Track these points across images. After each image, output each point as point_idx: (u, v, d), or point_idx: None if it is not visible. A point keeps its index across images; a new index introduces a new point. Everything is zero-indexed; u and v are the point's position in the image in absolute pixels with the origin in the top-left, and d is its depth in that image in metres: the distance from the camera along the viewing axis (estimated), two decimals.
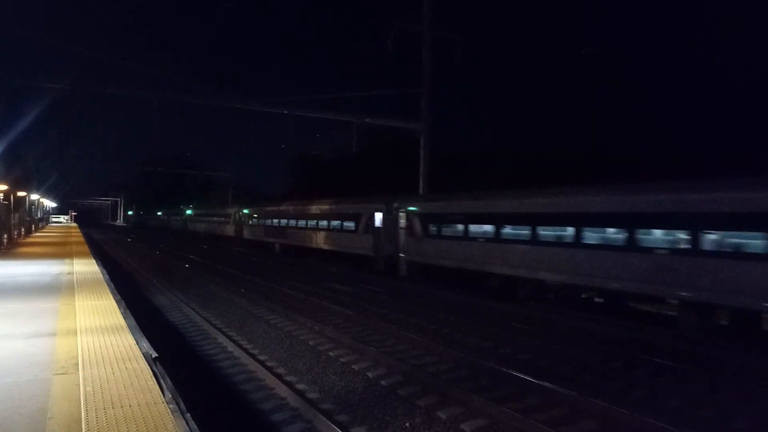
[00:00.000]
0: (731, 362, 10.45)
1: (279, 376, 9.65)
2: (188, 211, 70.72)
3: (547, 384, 8.90)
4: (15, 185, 36.48)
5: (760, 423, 7.83)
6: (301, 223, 33.58)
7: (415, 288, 20.25)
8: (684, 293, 12.40)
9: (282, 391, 8.95)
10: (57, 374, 6.65)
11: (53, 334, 8.65)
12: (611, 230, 14.32)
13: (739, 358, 10.60)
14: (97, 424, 5.16)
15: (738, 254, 11.50)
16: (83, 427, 5.09)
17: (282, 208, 38.20)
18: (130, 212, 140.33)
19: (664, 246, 12.94)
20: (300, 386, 9.34)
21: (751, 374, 9.83)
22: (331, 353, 11.39)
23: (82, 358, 7.35)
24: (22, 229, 40.83)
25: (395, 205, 23.70)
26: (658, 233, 13.23)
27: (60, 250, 27.52)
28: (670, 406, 8.50)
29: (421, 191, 27.59)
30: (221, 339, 12.65)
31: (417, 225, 21.97)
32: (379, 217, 24.65)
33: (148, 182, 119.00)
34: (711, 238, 11.97)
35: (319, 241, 30.79)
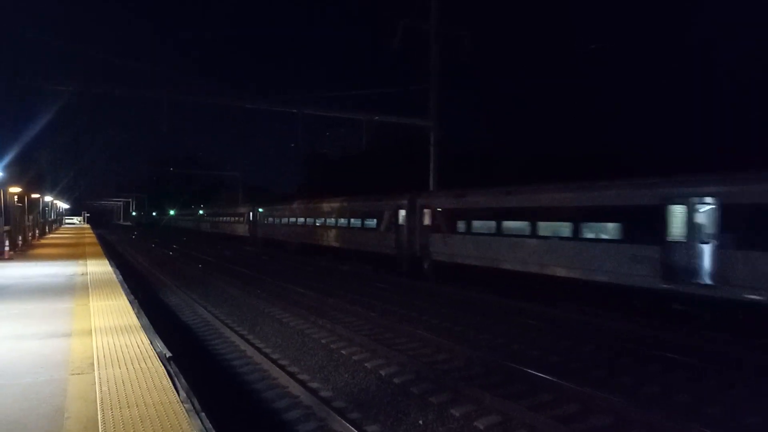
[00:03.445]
0: (742, 358, 10.39)
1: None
2: (171, 212, 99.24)
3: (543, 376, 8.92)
4: (29, 187, 36.85)
5: None
6: (223, 219, 57.72)
7: (264, 250, 40.45)
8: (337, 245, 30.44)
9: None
10: (73, 374, 6.75)
11: (68, 335, 8.77)
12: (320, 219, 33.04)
13: (750, 353, 10.55)
14: (113, 423, 5.25)
15: (352, 228, 28.87)
16: (100, 426, 5.18)
17: (214, 210, 63.99)
18: (133, 213, 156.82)
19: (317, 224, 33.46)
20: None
21: (762, 370, 9.76)
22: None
23: (98, 358, 7.45)
24: (36, 231, 41.25)
25: (256, 207, 45.51)
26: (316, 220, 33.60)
27: (73, 251, 27.81)
28: (681, 402, 8.48)
29: (431, 187, 27.67)
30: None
31: (261, 218, 44.13)
32: (251, 214, 46.44)
33: (159, 183, 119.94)
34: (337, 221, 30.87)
35: (228, 229, 54.12)
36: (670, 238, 13.12)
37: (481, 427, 7.56)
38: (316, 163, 65.85)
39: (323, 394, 8.84)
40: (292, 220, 37.04)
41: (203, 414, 5.53)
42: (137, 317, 10.31)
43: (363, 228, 27.19)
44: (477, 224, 19.51)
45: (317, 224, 32.71)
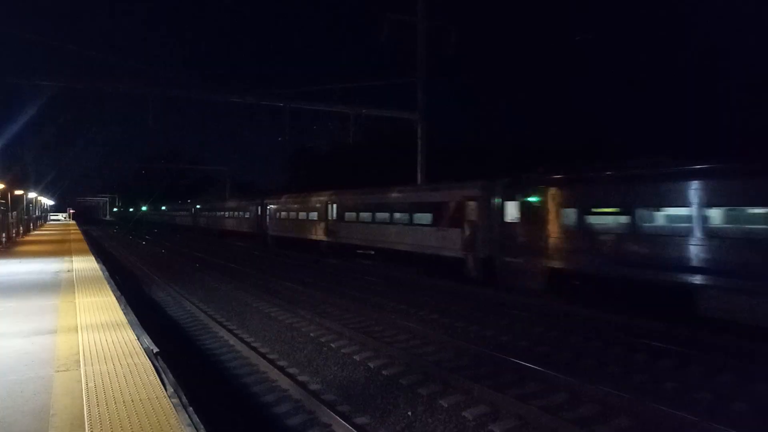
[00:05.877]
0: (728, 344, 10.51)
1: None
2: (143, 208, 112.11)
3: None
4: (12, 184, 36.45)
5: (758, 406, 7.89)
6: (177, 214, 73.51)
7: (205, 236, 52.38)
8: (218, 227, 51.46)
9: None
10: (59, 371, 6.68)
11: (54, 332, 8.69)
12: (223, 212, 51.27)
13: (736, 342, 10.67)
14: (99, 419, 5.20)
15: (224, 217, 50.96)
16: (86, 423, 5.13)
17: (172, 207, 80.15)
18: (115, 209, 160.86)
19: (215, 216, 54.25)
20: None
21: (748, 358, 9.89)
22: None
23: (84, 354, 7.38)
24: (21, 228, 40.80)
25: (195, 205, 62.59)
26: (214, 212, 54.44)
27: (59, 248, 27.55)
28: (668, 390, 8.57)
29: (419, 181, 27.67)
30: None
31: (198, 213, 60.05)
32: (192, 209, 62.63)
33: (145, 179, 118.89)
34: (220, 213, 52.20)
35: (180, 221, 69.47)
36: (328, 218, 28.66)
37: (470, 417, 7.60)
38: (304, 157, 65.70)
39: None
40: (212, 213, 54.28)
41: (191, 408, 5.50)
42: (124, 313, 10.23)
43: (244, 217, 43.60)
44: (281, 214, 35.90)
45: (226, 216, 49.09)
